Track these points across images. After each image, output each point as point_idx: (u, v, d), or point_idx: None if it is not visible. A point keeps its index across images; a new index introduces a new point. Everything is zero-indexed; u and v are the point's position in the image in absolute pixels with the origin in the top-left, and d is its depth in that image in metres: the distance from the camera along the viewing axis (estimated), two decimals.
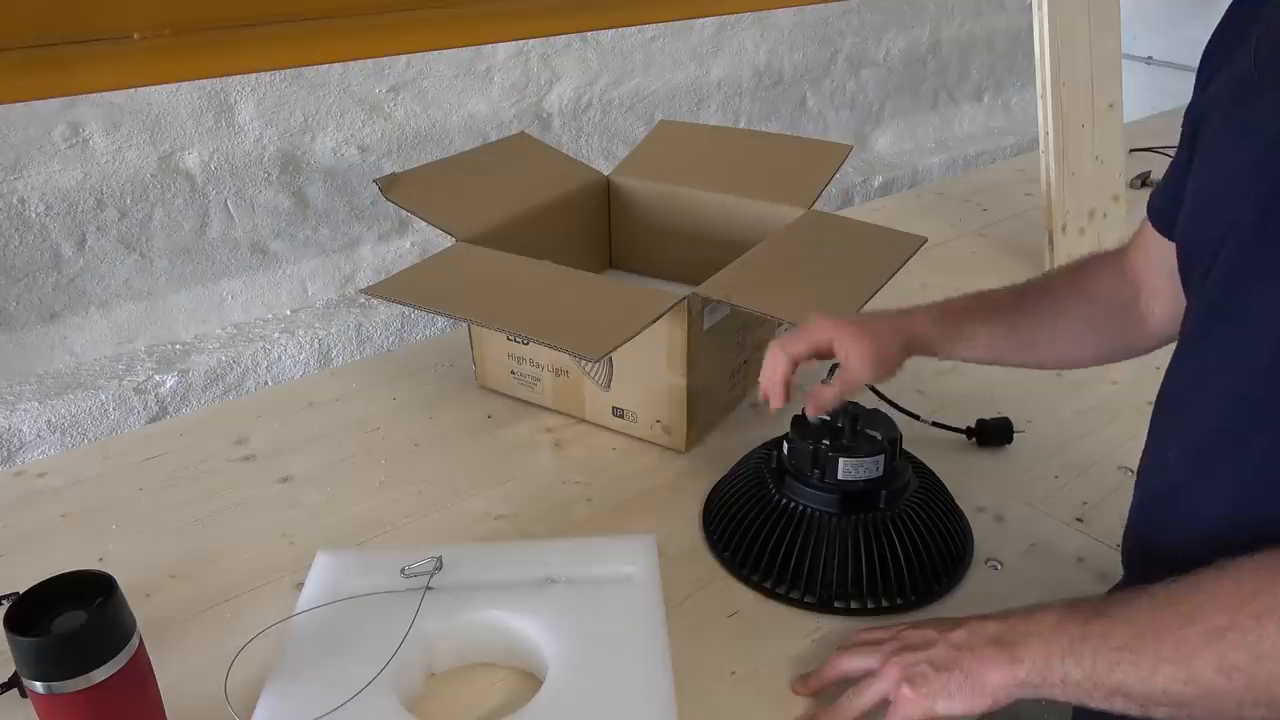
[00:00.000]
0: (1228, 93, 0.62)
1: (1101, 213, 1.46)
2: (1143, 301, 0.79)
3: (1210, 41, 0.66)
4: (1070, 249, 1.42)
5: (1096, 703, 0.55)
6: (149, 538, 0.88)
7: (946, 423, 1.00)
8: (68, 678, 0.56)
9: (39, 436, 1.47)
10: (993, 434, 1.00)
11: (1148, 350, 0.81)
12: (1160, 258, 0.74)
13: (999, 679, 0.58)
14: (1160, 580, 0.56)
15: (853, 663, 0.68)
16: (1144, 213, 0.77)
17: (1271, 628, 0.50)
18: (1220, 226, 0.59)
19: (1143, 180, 1.76)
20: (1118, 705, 0.54)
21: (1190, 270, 0.65)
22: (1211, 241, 0.60)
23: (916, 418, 1.00)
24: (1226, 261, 0.58)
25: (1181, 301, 0.66)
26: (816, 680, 0.70)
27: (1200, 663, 0.51)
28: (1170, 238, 0.71)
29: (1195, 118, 0.66)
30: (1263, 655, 0.50)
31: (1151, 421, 0.69)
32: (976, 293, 0.85)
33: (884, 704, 0.64)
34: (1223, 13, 0.66)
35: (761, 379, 0.81)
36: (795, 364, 0.79)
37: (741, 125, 2.30)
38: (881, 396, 1.00)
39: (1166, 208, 0.72)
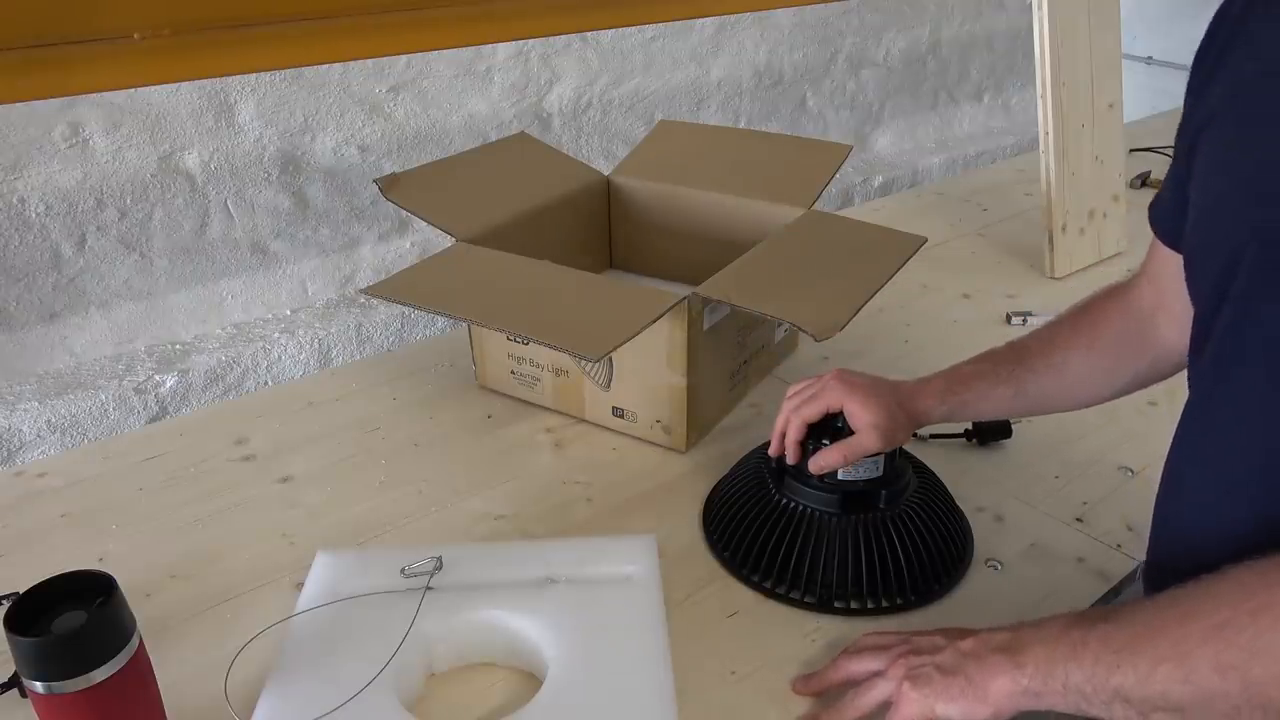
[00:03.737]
0: (1230, 101, 0.61)
1: (1101, 213, 1.46)
2: (1158, 329, 0.78)
3: (1201, 48, 0.65)
4: (1070, 249, 1.42)
5: (1097, 709, 0.55)
6: (149, 538, 0.88)
7: (945, 431, 1.00)
8: (68, 678, 0.56)
9: (39, 436, 1.47)
10: (991, 431, 1.00)
11: (1171, 374, 0.79)
12: (1174, 275, 0.72)
13: (1002, 686, 0.58)
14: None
15: (859, 665, 0.68)
16: (1144, 214, 0.77)
17: (1267, 623, 0.50)
18: (1230, 242, 0.58)
19: (1143, 180, 1.76)
20: (1117, 712, 0.54)
21: (1199, 285, 0.63)
22: (1221, 258, 0.59)
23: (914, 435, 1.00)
24: (1244, 281, 0.57)
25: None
26: (819, 681, 0.70)
27: (1198, 660, 0.51)
28: (1178, 250, 0.70)
29: (1195, 127, 0.64)
30: (1258, 652, 0.50)
31: (1173, 445, 0.67)
32: (983, 355, 0.85)
33: (885, 706, 0.64)
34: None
35: (774, 437, 0.84)
36: (807, 426, 0.81)
37: (741, 125, 2.30)
38: None
39: (1170, 218, 0.71)
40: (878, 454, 0.80)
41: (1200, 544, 0.63)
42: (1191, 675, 0.51)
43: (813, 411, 0.81)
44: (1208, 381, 0.62)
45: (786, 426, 0.82)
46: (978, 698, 0.59)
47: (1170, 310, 0.76)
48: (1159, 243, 0.76)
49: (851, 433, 0.79)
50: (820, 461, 0.80)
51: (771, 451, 0.85)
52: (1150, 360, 0.79)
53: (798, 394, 0.83)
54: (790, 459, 0.82)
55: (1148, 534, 0.72)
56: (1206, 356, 0.62)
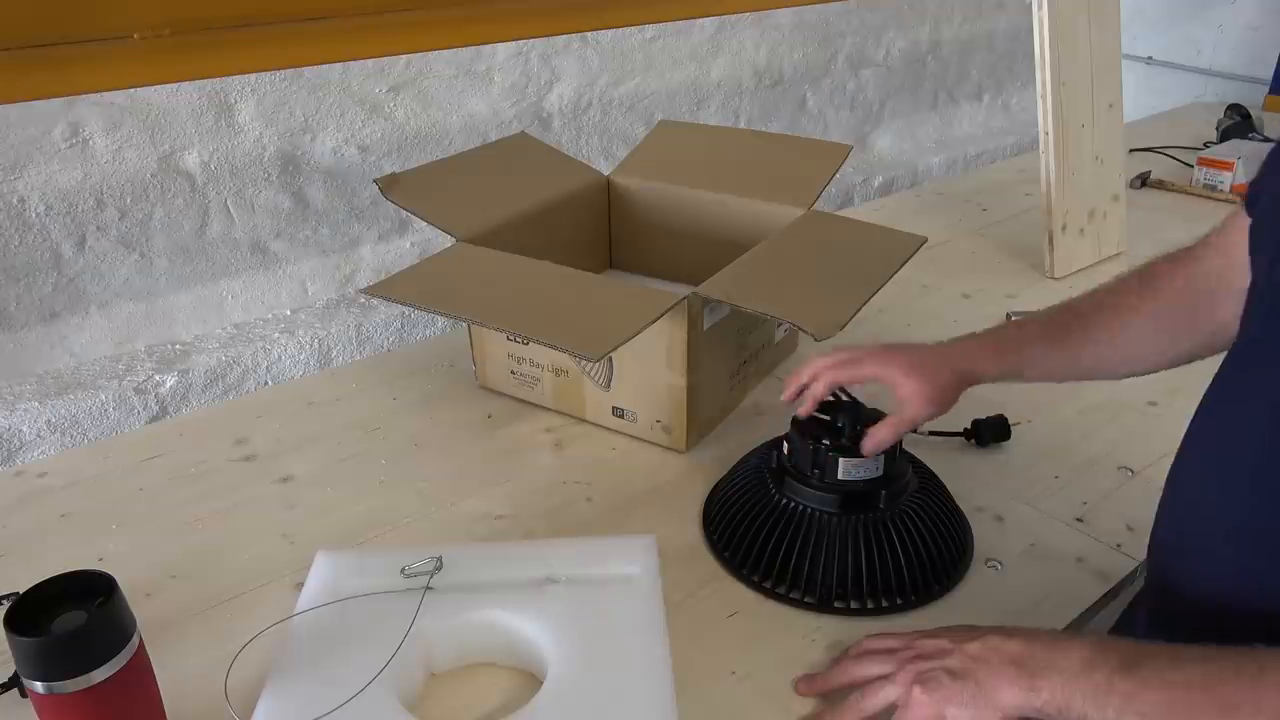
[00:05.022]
0: None
1: (1101, 213, 1.46)
2: (1220, 305, 0.75)
3: None
4: (1070, 249, 1.42)
5: None
6: (149, 538, 0.88)
7: (944, 429, 1.00)
8: (68, 678, 0.56)
9: (39, 436, 1.47)
10: (990, 432, 1.00)
11: (1224, 349, 0.76)
12: (1243, 246, 0.70)
13: (1012, 698, 0.58)
14: (1183, 582, 0.54)
15: (864, 669, 0.68)
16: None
17: None
18: None
19: (1143, 180, 1.76)
20: None
21: (1256, 251, 0.62)
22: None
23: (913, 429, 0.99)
24: None
25: None
26: (823, 683, 0.70)
27: None
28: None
29: None
30: None
31: (1192, 423, 0.66)
32: (1036, 317, 0.83)
33: (890, 709, 0.64)
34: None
35: (794, 384, 0.83)
36: (832, 387, 0.80)
37: (741, 125, 2.30)
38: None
39: (1257, 193, 0.69)
40: (927, 419, 0.79)
41: (1208, 526, 0.63)
42: None
43: (846, 376, 0.79)
44: (1250, 352, 0.61)
45: (813, 380, 0.80)
46: (986, 704, 0.59)
47: (1234, 287, 0.73)
48: (1241, 214, 0.73)
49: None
50: (873, 441, 0.78)
51: (785, 397, 0.84)
52: (1208, 335, 0.77)
53: (835, 355, 0.82)
54: (802, 412, 0.81)
55: (1148, 534, 0.71)
56: (1254, 322, 0.61)
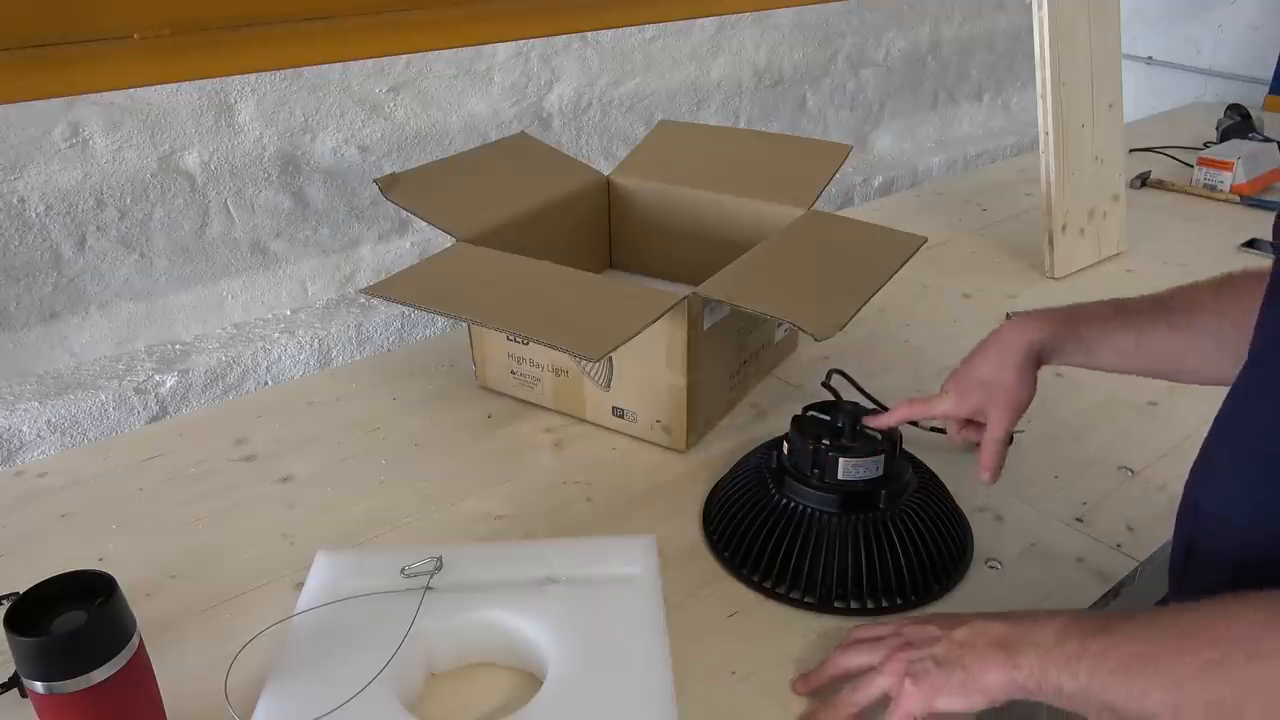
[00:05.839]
0: None
1: (1101, 213, 1.46)
2: None
3: None
4: (1070, 249, 1.42)
5: (1091, 714, 0.56)
6: (149, 538, 0.88)
7: (946, 428, 1.00)
8: (68, 678, 0.56)
9: (39, 436, 1.47)
10: None
11: None
12: None
13: (997, 679, 0.59)
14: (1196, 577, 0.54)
15: (854, 660, 0.68)
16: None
17: (1262, 669, 0.49)
18: None
19: (1143, 180, 1.76)
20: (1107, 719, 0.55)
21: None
22: None
23: (915, 424, 1.00)
24: None
25: None
26: (816, 678, 0.70)
27: (1189, 692, 0.51)
28: None
29: None
30: (1252, 697, 0.49)
31: (1213, 426, 0.66)
32: (1112, 300, 0.83)
33: (882, 700, 0.64)
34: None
35: (902, 413, 0.87)
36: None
37: (741, 125, 2.30)
38: (878, 404, 1.00)
39: None
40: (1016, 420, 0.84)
41: (1233, 526, 0.62)
42: (1182, 706, 0.51)
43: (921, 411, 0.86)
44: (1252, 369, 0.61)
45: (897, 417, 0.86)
46: (975, 689, 0.60)
47: None
48: None
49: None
50: (987, 458, 0.84)
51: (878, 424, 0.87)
52: None
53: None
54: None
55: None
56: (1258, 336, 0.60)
